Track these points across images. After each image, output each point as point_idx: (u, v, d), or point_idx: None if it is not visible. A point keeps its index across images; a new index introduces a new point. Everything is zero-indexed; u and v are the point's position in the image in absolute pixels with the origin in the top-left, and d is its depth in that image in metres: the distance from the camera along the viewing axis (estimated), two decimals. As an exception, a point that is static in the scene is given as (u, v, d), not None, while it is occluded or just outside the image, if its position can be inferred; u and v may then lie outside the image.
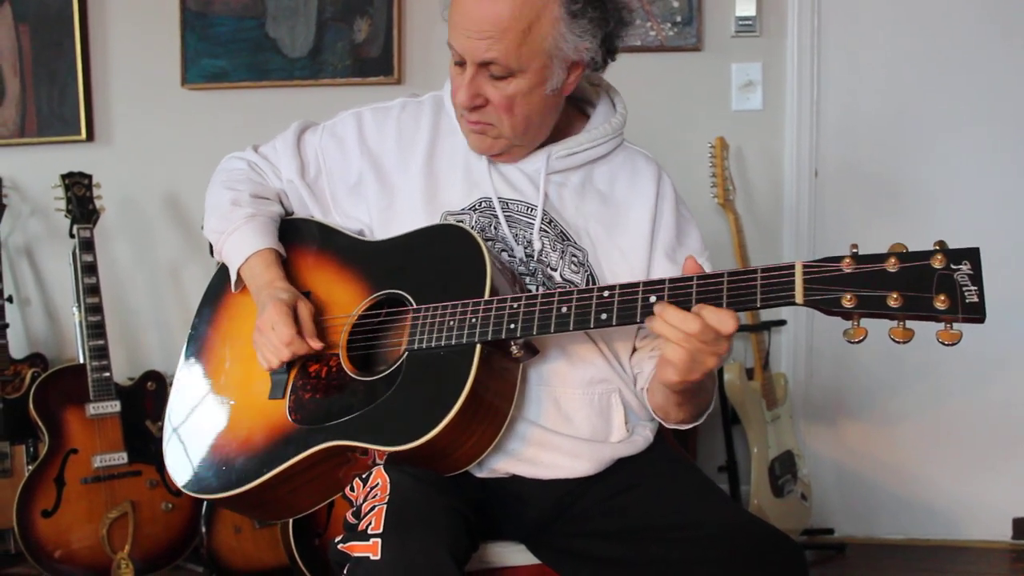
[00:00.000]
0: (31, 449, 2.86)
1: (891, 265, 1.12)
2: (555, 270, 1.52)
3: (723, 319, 1.20)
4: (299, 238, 1.63)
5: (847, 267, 1.14)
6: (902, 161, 3.07)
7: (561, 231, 1.53)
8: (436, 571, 1.20)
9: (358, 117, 1.66)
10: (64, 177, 2.86)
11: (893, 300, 1.10)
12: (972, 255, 1.08)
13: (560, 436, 1.47)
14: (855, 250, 1.15)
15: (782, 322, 3.06)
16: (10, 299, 3.12)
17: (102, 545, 2.69)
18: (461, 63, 1.44)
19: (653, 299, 1.26)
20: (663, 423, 1.54)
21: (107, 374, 2.75)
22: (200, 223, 1.71)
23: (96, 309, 2.78)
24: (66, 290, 3.09)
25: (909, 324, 1.12)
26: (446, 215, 1.54)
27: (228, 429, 1.52)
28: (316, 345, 1.47)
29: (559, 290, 1.35)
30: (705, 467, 2.74)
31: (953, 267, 1.08)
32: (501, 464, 1.46)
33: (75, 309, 2.84)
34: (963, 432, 3.12)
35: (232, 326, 1.63)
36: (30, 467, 2.72)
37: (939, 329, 1.09)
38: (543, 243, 1.52)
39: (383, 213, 1.59)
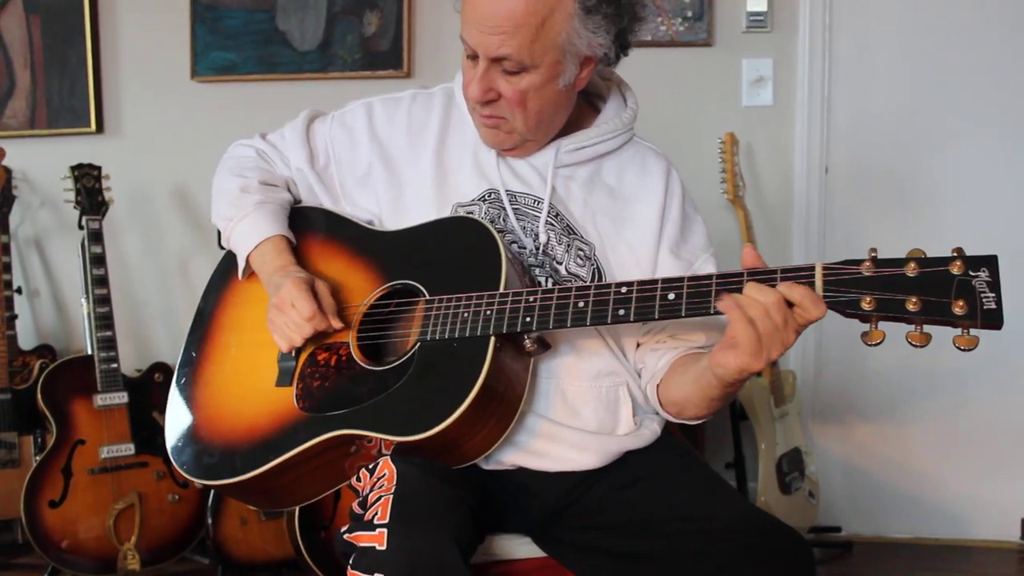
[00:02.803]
0: (39, 440, 2.87)
1: (910, 270, 1.13)
2: (560, 263, 1.51)
3: (812, 299, 1.17)
4: (309, 227, 1.63)
5: (867, 270, 1.16)
6: (913, 159, 3.05)
7: (568, 224, 1.53)
8: (441, 561, 1.19)
9: (368, 107, 1.66)
10: (73, 169, 2.86)
11: (912, 304, 1.11)
12: (990, 262, 1.10)
13: (567, 429, 1.46)
14: (874, 254, 1.17)
15: (791, 319, 3.04)
16: (19, 290, 3.12)
17: (109, 536, 2.69)
18: (474, 56, 1.44)
19: (672, 296, 1.26)
20: (672, 419, 1.53)
21: (115, 365, 2.76)
22: (209, 215, 1.71)
23: (104, 300, 2.79)
24: (75, 282, 3.10)
25: (926, 328, 1.13)
26: (456, 206, 1.54)
27: (233, 415, 1.51)
28: (336, 324, 1.47)
29: (576, 285, 1.34)
30: (713, 463, 2.73)
31: (972, 274, 1.10)
32: (508, 456, 1.46)
33: (83, 300, 2.84)
34: (972, 431, 3.11)
35: (238, 313, 1.62)
36: (38, 457, 2.73)
37: (956, 335, 1.11)
38: (549, 236, 1.52)
39: (392, 203, 1.59)
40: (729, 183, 2.86)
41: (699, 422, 1.52)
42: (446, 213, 1.53)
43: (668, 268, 1.54)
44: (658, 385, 1.51)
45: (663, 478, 1.48)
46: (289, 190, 1.68)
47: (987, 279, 1.09)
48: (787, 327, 1.20)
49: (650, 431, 1.53)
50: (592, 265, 1.52)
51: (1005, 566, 2.98)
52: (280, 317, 1.47)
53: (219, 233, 1.65)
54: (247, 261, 1.59)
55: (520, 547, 1.53)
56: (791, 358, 3.14)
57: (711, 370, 1.30)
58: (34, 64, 3.25)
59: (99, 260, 2.81)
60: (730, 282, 1.23)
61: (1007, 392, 3.07)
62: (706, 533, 1.34)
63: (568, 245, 1.52)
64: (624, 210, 1.56)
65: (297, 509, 2.31)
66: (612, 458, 1.49)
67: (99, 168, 2.89)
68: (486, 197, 1.54)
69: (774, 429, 2.86)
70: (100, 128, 3.27)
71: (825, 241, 3.08)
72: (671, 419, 1.53)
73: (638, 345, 1.55)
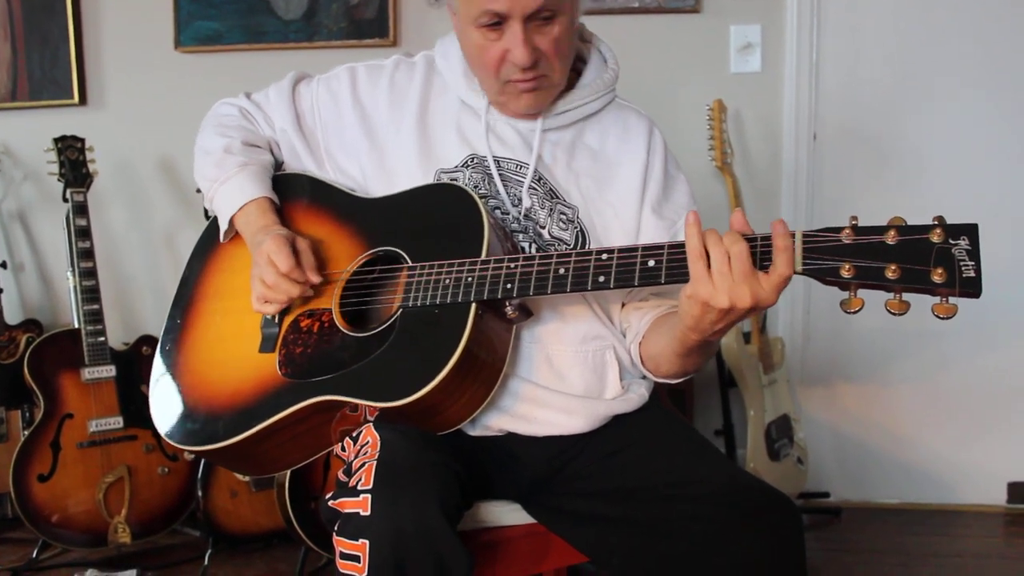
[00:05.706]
0: (27, 414, 2.86)
1: (890, 238, 1.13)
2: (543, 227, 1.51)
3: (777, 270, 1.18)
4: (293, 193, 1.62)
5: (846, 237, 1.15)
6: (902, 124, 3.05)
7: (550, 188, 1.52)
8: (426, 526, 1.19)
9: (352, 72, 1.65)
10: (57, 141, 2.83)
11: (891, 272, 1.11)
12: (970, 231, 1.09)
13: (553, 393, 1.46)
14: (855, 221, 1.16)
15: (779, 286, 3.04)
16: (4, 264, 3.11)
17: (99, 509, 2.69)
18: (495, 24, 1.41)
19: (652, 263, 1.26)
20: (652, 376, 1.54)
21: (102, 339, 2.74)
22: (195, 187, 1.69)
23: (90, 273, 2.77)
24: (60, 255, 3.08)
25: (906, 296, 1.13)
26: (439, 172, 1.53)
27: (217, 382, 1.51)
28: (315, 278, 1.46)
29: (556, 252, 1.34)
30: (702, 431, 2.71)
31: (952, 242, 1.09)
32: (494, 421, 1.46)
33: (69, 274, 2.82)
34: (959, 397, 3.12)
35: (223, 279, 1.62)
36: (26, 432, 2.72)
37: (935, 303, 1.11)
38: (532, 201, 1.51)
39: (376, 170, 1.58)
40: (717, 150, 2.85)
41: (678, 381, 1.53)
42: (430, 180, 1.53)
43: (651, 228, 1.54)
44: (640, 342, 1.51)
45: (651, 443, 1.48)
46: (272, 152, 1.67)
47: (967, 247, 1.09)
48: (743, 279, 1.18)
49: (637, 395, 1.54)
50: (576, 228, 1.51)
51: (991, 530, 3.00)
52: (259, 272, 1.46)
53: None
54: (232, 224, 1.58)
55: (509, 513, 1.53)
56: (779, 325, 3.15)
57: (679, 317, 1.30)
58: (14, 35, 3.20)
59: (84, 233, 2.78)
60: None
61: (993, 359, 3.09)
62: (694, 498, 1.35)
63: (551, 209, 1.51)
64: (607, 171, 1.56)
65: (287, 481, 2.32)
66: (600, 422, 1.49)
67: (83, 140, 2.86)
68: (468, 163, 1.53)
69: (762, 396, 2.87)
70: (83, 100, 3.23)
71: (813, 207, 3.08)
72: (652, 377, 1.54)
73: (623, 305, 1.55)
